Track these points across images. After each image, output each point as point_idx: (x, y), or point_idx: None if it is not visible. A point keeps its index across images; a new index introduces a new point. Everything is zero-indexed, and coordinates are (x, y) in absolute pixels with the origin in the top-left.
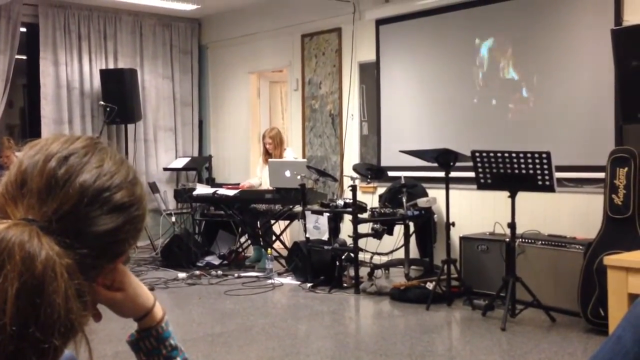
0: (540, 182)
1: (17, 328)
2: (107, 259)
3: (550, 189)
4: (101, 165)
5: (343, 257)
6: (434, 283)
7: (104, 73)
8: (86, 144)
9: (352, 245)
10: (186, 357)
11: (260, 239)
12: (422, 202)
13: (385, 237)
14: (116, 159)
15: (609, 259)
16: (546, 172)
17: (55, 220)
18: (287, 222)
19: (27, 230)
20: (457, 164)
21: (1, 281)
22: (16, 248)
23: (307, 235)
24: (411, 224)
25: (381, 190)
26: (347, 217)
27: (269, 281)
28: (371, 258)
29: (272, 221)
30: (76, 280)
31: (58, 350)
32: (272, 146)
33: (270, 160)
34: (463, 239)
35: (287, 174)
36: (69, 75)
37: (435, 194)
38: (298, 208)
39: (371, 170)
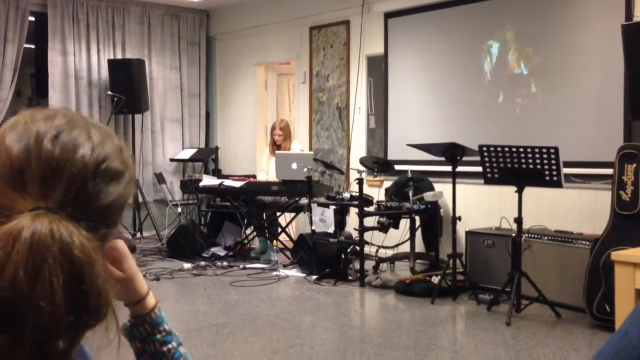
0: (547, 178)
1: (72, 318)
2: (112, 227)
3: (557, 184)
4: (90, 137)
5: (349, 250)
6: (439, 277)
7: (112, 63)
8: (67, 119)
9: (357, 238)
10: (180, 341)
11: (266, 231)
12: (428, 196)
13: (391, 230)
14: (98, 128)
15: (617, 255)
16: (554, 167)
17: (68, 204)
18: (293, 214)
19: (49, 220)
20: (464, 159)
21: (47, 275)
22: (50, 240)
23: (313, 228)
24: (417, 218)
25: (388, 183)
26: (353, 210)
27: (274, 273)
28: (377, 251)
29: (278, 213)
30: (103, 259)
31: (81, 336)
32: (282, 137)
33: (277, 152)
34: (469, 234)
35: (294, 166)
36: (77, 64)
37: (442, 188)
38: (304, 200)
39: (378, 164)
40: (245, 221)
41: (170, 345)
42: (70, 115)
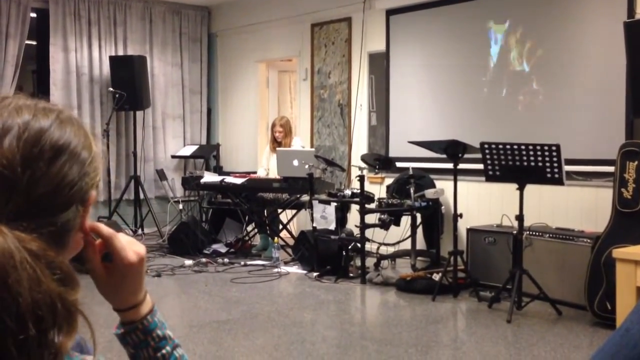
0: (549, 175)
1: None
2: (74, 211)
3: (559, 181)
4: (15, 121)
5: (350, 247)
6: (440, 274)
7: (114, 59)
8: None
9: (359, 236)
10: (177, 343)
11: (267, 228)
12: (429, 193)
13: (392, 227)
14: (32, 107)
15: (618, 252)
16: (555, 164)
17: (3, 205)
18: (294, 211)
19: None
20: (466, 156)
21: None
22: None
23: (314, 225)
24: (418, 215)
25: (389, 180)
26: (355, 207)
27: (275, 270)
28: (378, 248)
29: (279, 210)
30: (44, 260)
31: (64, 341)
32: (283, 134)
33: (278, 149)
34: (470, 231)
35: (295, 163)
36: (79, 61)
37: (443, 186)
38: (305, 197)
39: (379, 161)
40: (247, 218)
41: (164, 351)
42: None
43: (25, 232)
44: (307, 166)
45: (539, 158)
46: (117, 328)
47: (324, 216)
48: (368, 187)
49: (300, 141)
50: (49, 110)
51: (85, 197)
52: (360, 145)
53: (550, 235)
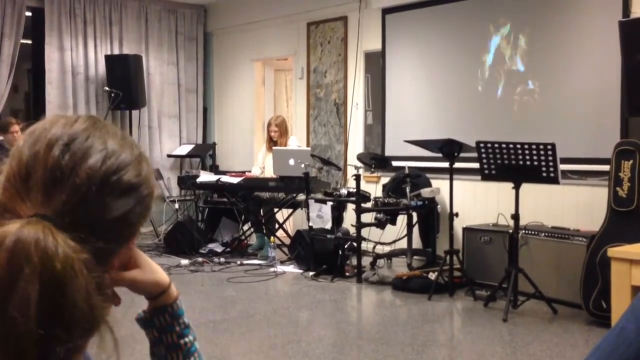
0: (544, 174)
1: (43, 330)
2: (121, 244)
3: (554, 180)
4: (105, 147)
5: (346, 246)
6: (436, 273)
7: (109, 59)
8: (86, 126)
9: (355, 235)
10: (195, 336)
11: (263, 227)
12: (425, 192)
13: (388, 226)
14: (118, 137)
15: (613, 251)
16: (551, 163)
17: (67, 214)
18: (290, 210)
19: (40, 227)
20: (462, 155)
21: (23, 285)
22: (32, 248)
23: (310, 224)
24: (414, 214)
25: (385, 179)
26: (351, 207)
27: (272, 269)
28: (374, 247)
29: (275, 209)
30: (95, 273)
31: (82, 347)
32: (278, 134)
33: (274, 148)
34: (466, 230)
35: (291, 162)
36: (74, 60)
37: (439, 185)
38: (301, 196)
39: (375, 160)
40: (243, 217)
41: (187, 339)
42: (93, 122)
43: (79, 244)
44: (303, 165)
45: (535, 157)
46: (139, 314)
47: (320, 215)
48: (364, 186)
49: (297, 140)
50: (134, 145)
51: (134, 233)
52: (356, 144)
53: (546, 234)
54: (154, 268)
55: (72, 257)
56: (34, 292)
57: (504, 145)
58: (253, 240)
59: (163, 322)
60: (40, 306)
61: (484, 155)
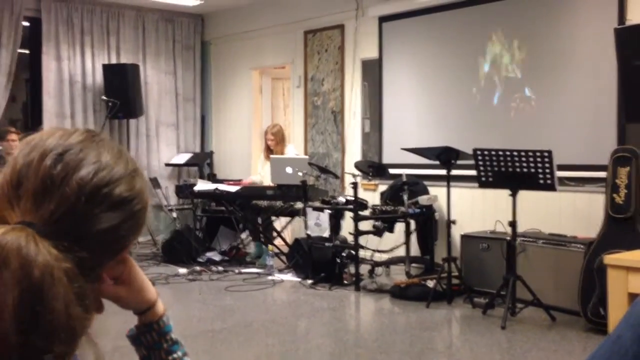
0: (541, 181)
1: (18, 337)
2: (108, 256)
3: (551, 187)
4: (98, 160)
5: (344, 254)
6: (434, 281)
7: (107, 68)
8: (82, 138)
9: (353, 243)
10: (185, 351)
11: (261, 235)
12: (423, 199)
13: (386, 234)
14: (114, 151)
15: (609, 258)
16: (547, 170)
17: (53, 223)
18: (288, 218)
19: (23, 234)
20: (459, 162)
21: (2, 290)
22: (13, 254)
23: (308, 232)
24: (412, 222)
25: (382, 187)
26: (348, 214)
27: (270, 277)
28: (372, 255)
29: (273, 218)
30: (76, 283)
31: (63, 357)
32: (274, 142)
33: (271, 156)
34: (464, 237)
35: (289, 170)
36: (72, 69)
37: (437, 192)
38: (299, 205)
39: (373, 168)
40: (241, 226)
41: (175, 355)
42: (89, 136)
43: (62, 253)
44: (300, 173)
45: (532, 164)
46: (131, 330)
47: (318, 223)
48: (362, 194)
49: (294, 149)
50: (130, 160)
51: (124, 247)
52: (353, 152)
53: (544, 241)
54: (144, 285)
55: (52, 265)
56: (10, 297)
57: (500, 153)
58: (251, 248)
59: (150, 339)
60: (17, 312)
61: (481, 163)
